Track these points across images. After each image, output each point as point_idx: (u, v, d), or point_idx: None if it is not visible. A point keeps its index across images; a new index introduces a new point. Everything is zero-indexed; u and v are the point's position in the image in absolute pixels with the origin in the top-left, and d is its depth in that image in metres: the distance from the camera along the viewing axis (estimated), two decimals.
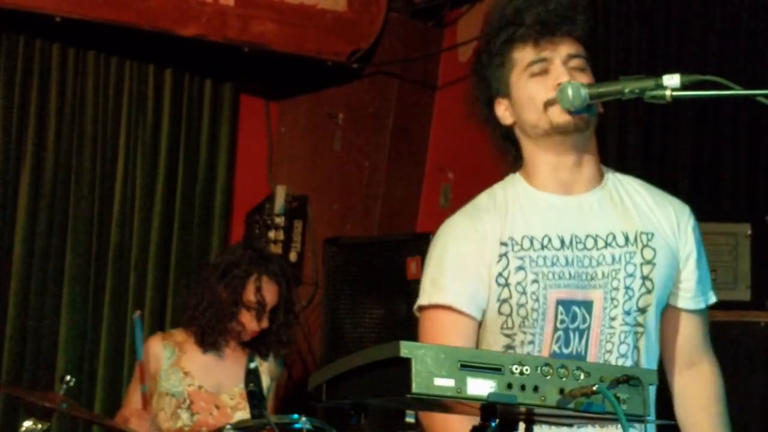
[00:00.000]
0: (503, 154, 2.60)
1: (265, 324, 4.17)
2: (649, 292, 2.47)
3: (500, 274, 2.44)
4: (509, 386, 1.71)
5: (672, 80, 2.35)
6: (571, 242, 2.45)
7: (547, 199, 2.50)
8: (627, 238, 2.48)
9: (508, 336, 2.44)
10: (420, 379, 1.67)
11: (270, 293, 4.18)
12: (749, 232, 4.29)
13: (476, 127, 4.94)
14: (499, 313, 2.44)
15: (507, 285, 2.43)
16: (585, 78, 2.47)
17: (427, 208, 5.41)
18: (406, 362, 1.67)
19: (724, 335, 4.16)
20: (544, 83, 2.46)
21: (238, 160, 5.45)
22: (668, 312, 2.54)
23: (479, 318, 2.46)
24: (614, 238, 2.47)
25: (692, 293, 2.55)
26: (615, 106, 4.81)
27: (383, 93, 5.40)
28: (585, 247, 2.45)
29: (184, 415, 4.13)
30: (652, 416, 1.81)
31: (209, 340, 4.16)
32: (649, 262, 2.47)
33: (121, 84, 5.10)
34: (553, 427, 2.04)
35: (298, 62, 5.23)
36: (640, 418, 1.75)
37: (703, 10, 4.86)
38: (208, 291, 4.18)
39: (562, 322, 2.42)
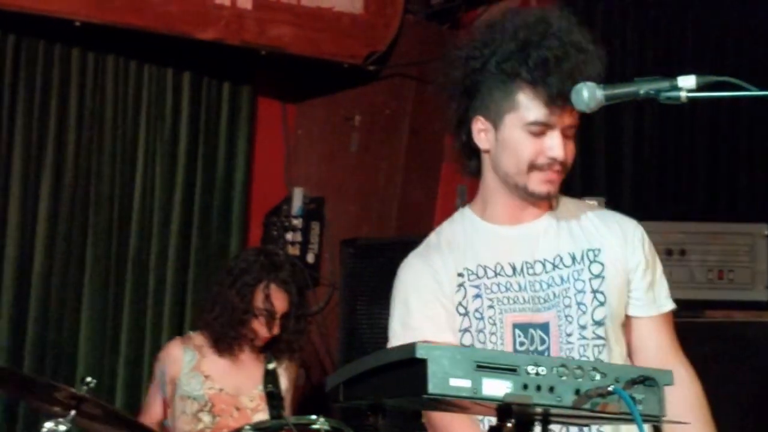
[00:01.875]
0: (460, 161, 2.63)
1: (276, 331, 4.18)
2: (602, 304, 2.52)
3: (460, 303, 2.52)
4: (525, 387, 1.73)
5: (687, 81, 2.35)
6: (522, 269, 2.53)
7: (497, 231, 2.57)
8: (574, 258, 2.55)
9: None
10: (436, 380, 1.68)
11: (279, 301, 4.19)
12: (766, 232, 4.29)
13: None
14: (461, 344, 2.50)
15: (467, 314, 2.51)
16: (572, 145, 2.52)
17: (444, 210, 5.42)
18: (422, 363, 1.69)
19: (742, 335, 4.17)
20: (538, 145, 2.48)
21: (255, 162, 5.47)
22: (627, 322, 2.59)
23: (456, 342, 2.51)
24: (561, 259, 2.54)
25: (643, 301, 2.59)
26: (631, 108, 4.82)
27: (399, 95, 5.41)
28: (535, 272, 2.53)
29: (206, 418, 4.14)
30: None
31: (223, 346, 4.17)
32: (597, 276, 2.53)
33: (140, 88, 5.13)
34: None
35: (315, 65, 5.25)
36: (656, 419, 1.76)
37: (720, 11, 4.86)
38: (221, 296, 4.20)
39: (522, 344, 2.49)
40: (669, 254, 4.20)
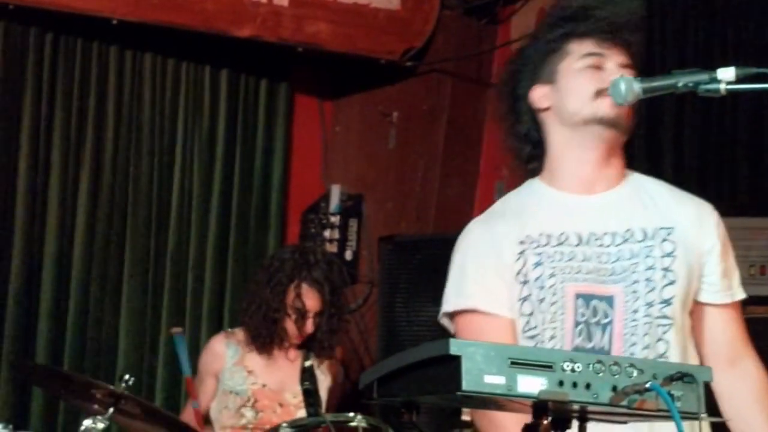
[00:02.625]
0: (516, 152, 2.59)
1: (309, 330, 4.17)
2: (671, 283, 2.45)
3: (519, 272, 2.45)
4: (560, 383, 1.70)
5: (726, 74, 2.31)
6: (588, 239, 2.46)
7: (566, 199, 2.50)
8: (645, 233, 2.47)
9: (532, 338, 2.44)
10: (470, 377, 1.66)
11: (311, 300, 4.18)
12: None
13: None
14: (521, 313, 2.44)
15: (526, 282, 2.44)
16: None
17: (482, 206, 5.36)
18: (456, 360, 1.67)
19: None
20: (597, 77, 2.45)
21: (293, 159, 5.48)
22: (697, 309, 2.51)
23: (511, 316, 2.45)
24: (632, 234, 2.47)
25: (717, 287, 2.52)
26: (671, 103, 4.77)
27: (437, 91, 5.39)
28: (602, 244, 2.46)
29: (248, 413, 4.15)
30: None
31: (259, 343, 4.18)
32: (669, 255, 2.46)
33: (178, 85, 5.14)
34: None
35: (352, 61, 5.24)
36: (694, 416, 1.73)
37: (760, 1, 4.80)
38: (257, 294, 4.21)
39: (583, 315, 2.41)
40: None
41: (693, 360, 2.49)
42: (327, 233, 5.43)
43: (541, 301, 2.42)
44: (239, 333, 4.30)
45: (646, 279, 2.44)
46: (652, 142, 4.91)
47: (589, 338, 2.41)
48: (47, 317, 4.76)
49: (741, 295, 2.57)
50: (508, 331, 2.45)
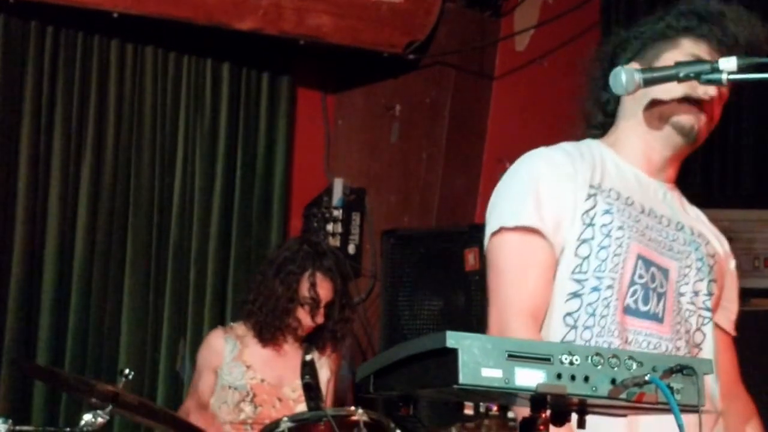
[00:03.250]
0: (587, 116, 2.56)
1: (320, 320, 4.17)
2: (715, 280, 2.46)
3: (587, 212, 2.37)
4: (559, 376, 1.67)
5: (728, 64, 2.30)
6: (650, 213, 2.43)
7: (631, 170, 2.46)
8: (693, 231, 2.48)
9: (577, 282, 2.35)
10: (467, 370, 1.64)
11: (324, 289, 4.18)
12: None
13: (533, 116, 4.91)
14: (576, 254, 2.35)
15: (592, 225, 2.36)
16: (719, 110, 2.48)
17: (485, 199, 5.33)
18: (452, 353, 1.64)
19: None
20: (693, 82, 2.37)
21: (295, 153, 5.46)
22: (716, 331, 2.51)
23: (557, 255, 2.37)
24: (683, 227, 2.47)
25: (731, 314, 2.55)
26: None
27: (440, 84, 5.37)
28: (661, 223, 2.44)
29: (247, 408, 4.14)
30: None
31: (267, 335, 4.18)
32: (711, 256, 2.48)
33: (179, 79, 5.13)
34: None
35: (354, 54, 5.22)
36: (694, 409, 1.71)
37: None
38: (264, 286, 4.20)
39: (641, 277, 2.36)
40: None
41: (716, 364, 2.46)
42: (330, 227, 5.41)
43: (603, 248, 2.34)
44: (238, 327, 4.30)
45: (697, 268, 2.43)
46: None
47: (645, 302, 2.36)
48: (49, 312, 4.74)
49: (733, 332, 2.60)
50: (554, 268, 2.37)
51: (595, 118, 2.55)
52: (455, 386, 1.64)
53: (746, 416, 2.55)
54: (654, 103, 2.44)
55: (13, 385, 4.64)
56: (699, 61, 2.37)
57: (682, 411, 1.69)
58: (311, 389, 3.50)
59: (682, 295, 2.40)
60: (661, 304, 2.38)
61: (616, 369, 1.71)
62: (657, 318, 2.37)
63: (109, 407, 3.51)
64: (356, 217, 5.44)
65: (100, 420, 3.49)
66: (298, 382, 4.05)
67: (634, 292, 2.36)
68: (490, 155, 5.46)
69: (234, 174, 5.24)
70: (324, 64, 5.51)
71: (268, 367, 4.19)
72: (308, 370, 3.53)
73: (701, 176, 4.80)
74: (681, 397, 1.71)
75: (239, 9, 4.85)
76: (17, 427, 3.63)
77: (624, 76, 2.37)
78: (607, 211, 2.37)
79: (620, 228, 2.36)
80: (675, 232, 2.44)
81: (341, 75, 5.59)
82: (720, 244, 2.56)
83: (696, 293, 2.41)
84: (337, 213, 5.42)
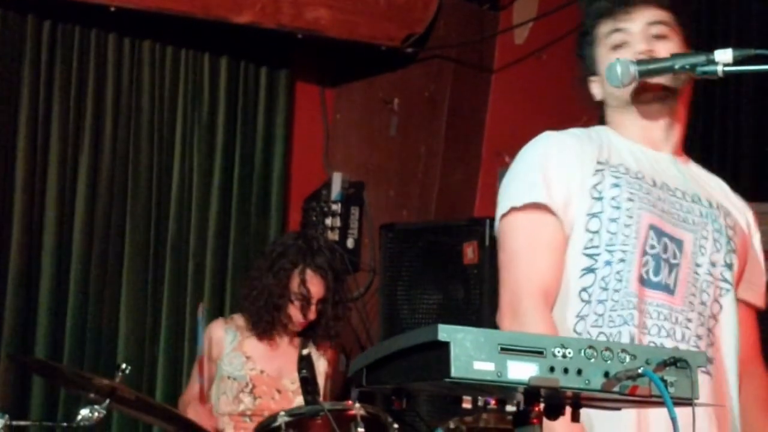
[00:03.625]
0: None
1: (312, 316, 4.17)
2: (734, 251, 2.44)
3: (594, 187, 2.38)
4: (551, 369, 1.67)
5: (724, 55, 2.30)
6: (663, 186, 2.43)
7: (640, 148, 2.47)
8: (710, 203, 2.47)
9: (590, 257, 2.36)
10: (459, 363, 1.63)
11: (315, 286, 4.17)
12: None
13: (532, 109, 4.89)
14: (587, 229, 2.36)
15: (601, 199, 2.37)
16: (667, 45, 2.45)
17: (484, 193, 5.36)
18: (444, 346, 1.64)
19: None
20: (624, 54, 2.42)
21: (294, 147, 5.45)
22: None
23: (567, 233, 2.38)
24: (699, 198, 2.46)
25: (758, 287, 2.53)
26: None
27: (438, 77, 5.36)
28: (674, 196, 2.44)
29: (246, 399, 4.15)
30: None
31: (259, 329, 4.18)
32: (731, 228, 2.47)
33: (177, 73, 5.12)
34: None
35: (353, 48, 5.21)
36: (687, 401, 1.70)
37: None
38: (258, 280, 4.20)
39: (653, 247, 2.36)
40: None
41: (735, 336, 2.45)
42: (328, 221, 5.40)
43: (614, 220, 2.35)
44: (238, 319, 4.31)
45: (714, 239, 2.42)
46: None
47: (656, 272, 2.36)
48: (47, 307, 4.74)
49: (762, 303, 2.57)
50: (565, 247, 2.38)
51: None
52: (447, 379, 1.64)
53: (761, 398, 2.52)
54: (613, 96, 2.48)
55: (10, 380, 4.64)
56: (694, 52, 2.37)
57: (676, 404, 1.68)
58: (308, 383, 3.50)
59: (699, 266, 2.39)
60: (673, 274, 2.37)
61: (609, 362, 1.70)
62: (668, 289, 2.36)
63: (107, 402, 3.51)
64: (355, 211, 5.43)
65: (97, 415, 3.49)
66: (297, 375, 4.06)
67: (646, 262, 2.36)
68: (489, 149, 5.45)
69: (232, 168, 5.24)
70: (322, 57, 5.50)
71: (267, 358, 4.20)
72: (305, 364, 3.53)
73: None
74: (674, 390, 1.71)
75: (237, 3, 4.84)
76: (15, 422, 3.63)
77: (619, 68, 2.38)
78: (615, 185, 2.38)
79: (630, 199, 2.37)
80: (690, 204, 2.43)
81: (340, 68, 5.58)
82: (743, 216, 2.54)
83: (713, 264, 2.40)
84: (336, 207, 5.41)
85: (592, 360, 1.70)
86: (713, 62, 2.30)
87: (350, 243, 5.39)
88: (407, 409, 1.88)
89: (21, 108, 4.73)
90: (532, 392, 1.71)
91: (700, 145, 4.76)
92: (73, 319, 4.79)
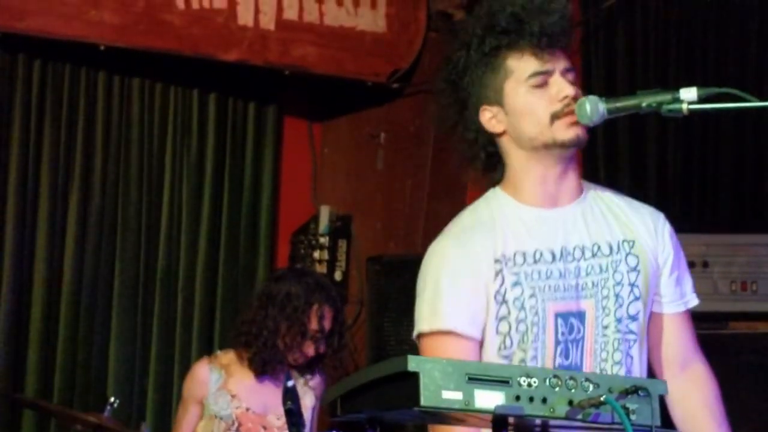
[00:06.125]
0: (471, 160, 2.59)
1: (322, 349, 4.22)
2: (637, 299, 2.48)
3: (498, 292, 2.43)
4: (517, 398, 1.73)
5: (689, 94, 2.35)
6: (561, 255, 2.46)
7: (534, 213, 2.49)
8: (611, 248, 2.49)
9: (505, 357, 2.43)
10: (428, 393, 1.70)
11: (329, 320, 4.22)
12: None
13: None
14: (497, 332, 2.43)
15: (505, 302, 2.42)
16: (577, 89, 2.48)
17: None
18: (414, 376, 1.70)
19: (766, 347, 4.15)
20: (546, 96, 2.45)
21: (282, 181, 5.51)
22: (652, 319, 2.55)
23: (480, 338, 2.45)
24: (599, 248, 2.49)
25: (671, 297, 2.56)
26: (654, 118, 4.82)
27: (424, 112, 5.43)
28: (574, 258, 2.46)
29: None
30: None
31: (269, 369, 4.19)
32: (634, 269, 2.49)
33: (166, 110, 5.18)
34: None
35: (339, 84, 5.28)
36: (648, 429, 1.77)
37: (741, 19, 4.84)
38: (269, 321, 4.19)
39: (562, 334, 2.42)
40: (692, 266, 4.13)
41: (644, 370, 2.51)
42: (316, 254, 5.46)
43: (521, 321, 2.41)
44: (223, 356, 4.32)
45: (615, 294, 2.46)
46: (636, 160, 4.96)
47: (567, 356, 2.42)
48: (37, 341, 4.78)
49: (694, 301, 2.61)
50: (476, 356, 2.45)
51: (479, 160, 2.58)
52: (417, 408, 1.70)
53: (708, 405, 2.56)
54: (529, 137, 2.46)
55: (0, 416, 4.68)
56: (661, 89, 2.42)
57: (635, 431, 1.75)
58: (293, 415, 3.52)
59: (606, 327, 2.45)
60: (578, 351, 2.44)
61: (573, 390, 1.77)
62: (577, 367, 2.42)
63: None
64: (342, 244, 5.49)
65: None
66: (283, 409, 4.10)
67: (561, 350, 2.43)
68: (475, 182, 5.49)
69: (221, 202, 5.29)
70: (310, 93, 5.57)
71: (252, 395, 4.22)
72: (290, 396, 3.55)
73: (680, 202, 4.86)
74: (636, 418, 1.77)
75: (225, 40, 4.92)
76: None
77: (588, 106, 2.41)
78: (515, 283, 2.43)
79: (532, 296, 2.42)
80: (590, 261, 2.46)
81: (327, 104, 5.65)
82: (647, 229, 2.54)
83: (619, 320, 2.46)
84: (324, 240, 5.47)
85: (557, 389, 1.76)
86: (678, 100, 2.35)
87: (338, 275, 5.44)
88: None
89: (12, 145, 4.79)
90: (500, 420, 1.78)
91: (681, 178, 4.84)
92: (63, 354, 4.83)
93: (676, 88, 2.38)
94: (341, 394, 1.84)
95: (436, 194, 5.43)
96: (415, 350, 4.78)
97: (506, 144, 2.52)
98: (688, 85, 2.37)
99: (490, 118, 2.51)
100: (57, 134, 4.90)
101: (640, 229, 2.53)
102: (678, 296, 2.58)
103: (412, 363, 1.71)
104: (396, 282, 4.99)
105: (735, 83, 2.40)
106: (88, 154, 4.97)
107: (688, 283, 2.61)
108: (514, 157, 2.52)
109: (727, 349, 3.99)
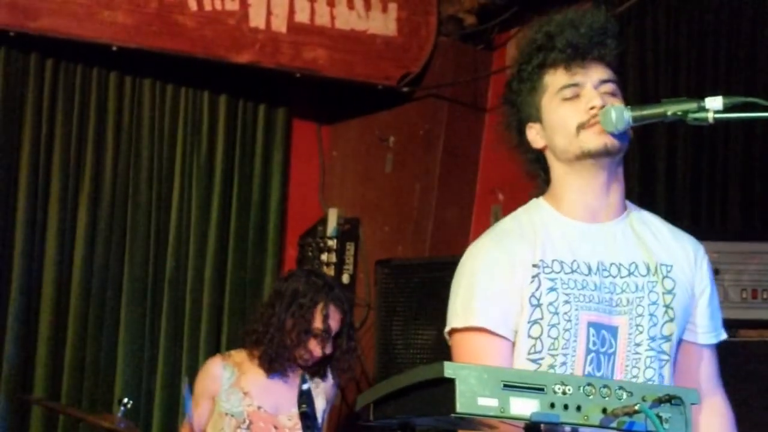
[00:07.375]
0: (533, 178, 2.62)
1: (329, 350, 4.23)
2: (671, 320, 2.50)
3: (533, 295, 2.44)
4: (552, 405, 1.74)
5: (714, 102, 2.36)
6: (597, 269, 2.47)
7: (574, 226, 2.51)
8: (648, 269, 2.51)
9: (534, 362, 2.44)
10: (464, 399, 1.70)
11: (335, 320, 4.24)
12: None
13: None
14: (529, 335, 2.44)
15: (539, 305, 2.43)
16: (616, 102, 2.49)
17: (478, 230, 5.39)
18: (450, 382, 1.71)
19: None
20: (576, 107, 2.47)
21: (291, 183, 5.53)
22: (683, 346, 2.56)
23: (512, 339, 2.46)
24: (636, 267, 2.51)
25: (705, 328, 2.58)
26: (663, 128, 4.82)
27: (433, 116, 5.44)
28: (610, 275, 2.48)
29: None
30: None
31: (277, 367, 4.21)
32: (669, 292, 2.51)
33: (177, 111, 5.20)
34: None
35: (350, 87, 5.30)
36: None
37: (752, 30, 4.85)
38: (275, 318, 4.22)
39: (594, 344, 2.43)
40: None
41: None
42: (324, 257, 5.47)
43: (553, 326, 2.43)
44: (236, 355, 4.34)
45: (650, 314, 2.47)
46: (646, 169, 4.95)
47: (599, 367, 2.43)
48: (46, 340, 4.79)
49: (723, 335, 2.63)
50: (509, 355, 2.45)
51: (540, 176, 2.60)
52: (453, 415, 1.71)
53: (719, 416, 2.58)
54: (561, 149, 2.50)
55: (9, 417, 4.68)
56: (685, 99, 2.43)
57: None
58: (308, 418, 3.53)
59: (638, 345, 2.46)
60: (609, 365, 2.44)
61: (607, 398, 1.78)
62: None
63: None
64: (350, 247, 5.50)
65: None
66: (295, 411, 4.10)
67: (591, 360, 2.44)
68: (483, 186, 5.53)
69: (230, 204, 5.31)
70: (320, 96, 5.59)
71: (265, 394, 4.24)
72: (305, 399, 3.56)
73: (690, 209, 4.86)
74: (669, 426, 1.78)
75: (236, 43, 4.93)
76: None
77: (614, 114, 2.42)
78: (551, 289, 2.44)
79: (566, 302, 2.43)
80: (626, 279, 2.48)
81: (336, 107, 5.67)
82: (686, 257, 2.56)
83: (653, 339, 2.47)
84: (332, 243, 5.48)
85: (591, 397, 1.77)
86: (704, 109, 2.36)
87: (346, 278, 5.45)
88: None
89: (23, 145, 4.82)
90: (533, 427, 1.79)
91: (691, 185, 4.84)
92: (72, 353, 4.85)
93: (701, 97, 2.39)
94: (374, 400, 1.85)
95: (444, 198, 5.44)
96: (422, 353, 4.84)
97: (549, 158, 2.56)
98: (699, 91, 2.37)
99: (535, 134, 2.56)
100: (68, 134, 4.92)
101: (679, 256, 2.55)
102: (712, 328, 2.59)
103: (449, 369, 1.72)
104: (404, 285, 4.99)
105: (746, 90, 2.40)
106: (98, 154, 4.99)
107: (719, 317, 2.63)
108: (555, 169, 2.55)
109: (738, 357, 3.98)
